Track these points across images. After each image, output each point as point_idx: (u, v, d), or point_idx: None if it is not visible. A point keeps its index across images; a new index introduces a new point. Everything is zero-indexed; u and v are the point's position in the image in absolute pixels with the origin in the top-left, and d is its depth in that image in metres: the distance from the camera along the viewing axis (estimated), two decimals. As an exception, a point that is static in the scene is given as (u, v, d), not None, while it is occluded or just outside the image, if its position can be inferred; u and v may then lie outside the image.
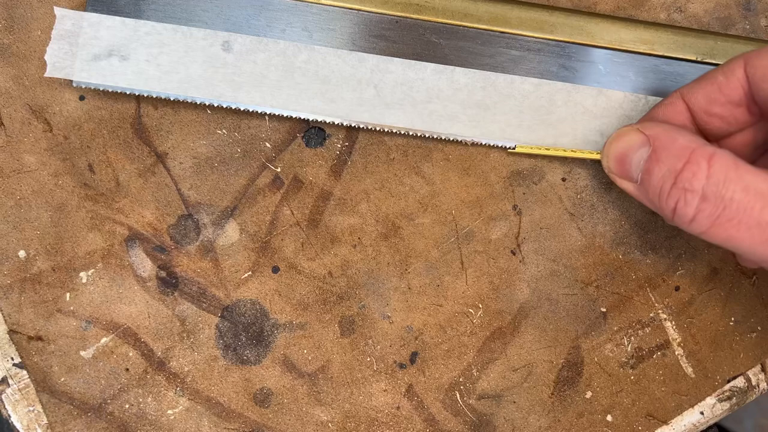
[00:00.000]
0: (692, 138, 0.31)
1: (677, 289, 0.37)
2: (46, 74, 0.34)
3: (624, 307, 0.36)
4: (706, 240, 0.30)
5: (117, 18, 0.35)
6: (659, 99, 0.36)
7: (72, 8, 0.35)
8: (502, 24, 0.36)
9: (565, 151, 0.36)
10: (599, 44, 0.37)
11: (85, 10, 0.35)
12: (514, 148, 0.36)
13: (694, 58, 0.37)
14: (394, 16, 0.36)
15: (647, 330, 0.36)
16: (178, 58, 0.35)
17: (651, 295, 0.37)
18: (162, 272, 0.35)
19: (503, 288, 0.36)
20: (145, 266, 0.35)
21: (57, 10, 0.34)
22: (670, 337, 0.37)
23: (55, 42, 0.34)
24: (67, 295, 0.34)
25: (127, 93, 0.35)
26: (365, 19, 0.36)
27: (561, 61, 0.37)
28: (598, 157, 0.36)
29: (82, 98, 0.35)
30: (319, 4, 0.36)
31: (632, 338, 0.36)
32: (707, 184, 0.29)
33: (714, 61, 0.37)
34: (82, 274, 0.35)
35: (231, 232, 0.35)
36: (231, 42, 0.35)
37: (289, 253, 0.35)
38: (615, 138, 0.33)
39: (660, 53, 0.37)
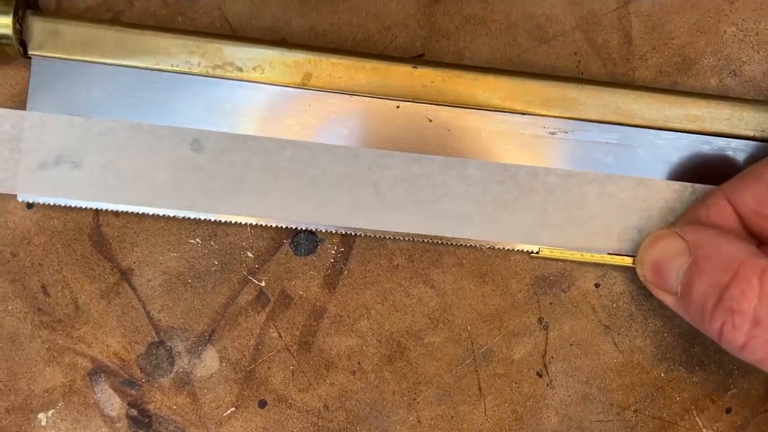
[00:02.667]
0: (741, 246, 0.26)
1: (728, 411, 0.32)
2: (-16, 189, 0.29)
3: (667, 434, 0.32)
4: (765, 371, 0.25)
5: (64, 117, 0.29)
6: (709, 187, 0.31)
7: (9, 106, 0.30)
8: (521, 103, 0.31)
9: (592, 256, 0.31)
10: (639, 123, 0.31)
11: (25, 109, 0.29)
12: (537, 253, 0.31)
13: (751, 135, 0.31)
14: (394, 100, 0.30)
15: (694, 460, 0.32)
16: (139, 163, 0.29)
17: (698, 419, 0.32)
18: (133, 410, 0.30)
19: (528, 417, 0.31)
20: (113, 404, 0.30)
21: (-8, 111, 0.29)
22: (720, 468, 0.32)
23: (-7, 149, 0.29)
24: (24, 440, 0.30)
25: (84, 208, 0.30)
26: (359, 105, 0.30)
27: (593, 147, 0.31)
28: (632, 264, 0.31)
29: (30, 206, 0.30)
30: (305, 88, 0.30)
31: (677, 470, 0.32)
32: (759, 305, 0.25)
33: (775, 138, 0.31)
34: (40, 415, 0.30)
35: (210, 361, 0.31)
36: (202, 140, 0.30)
37: (277, 384, 0.31)
38: (650, 243, 0.30)
39: (711, 130, 0.31)
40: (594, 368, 0.31)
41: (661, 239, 0.29)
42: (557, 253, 0.31)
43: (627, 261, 0.31)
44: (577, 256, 0.31)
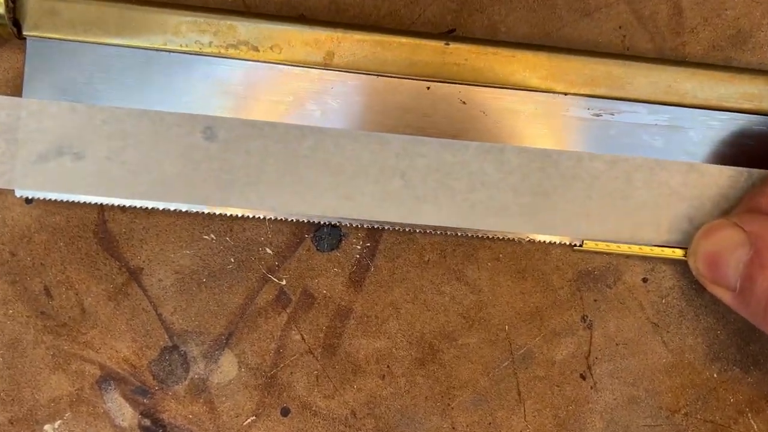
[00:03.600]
0: None
1: (787, 413, 0.30)
2: (-21, 184, 0.26)
3: (721, 439, 0.30)
4: None
5: (64, 103, 0.27)
6: (767, 172, 0.28)
7: (4, 93, 0.27)
8: (563, 82, 0.28)
9: (640, 249, 0.28)
10: (690, 103, 0.29)
11: (21, 95, 0.27)
12: (581, 245, 0.29)
13: (813, 114, 0.29)
14: (423, 80, 0.28)
15: (749, 466, 0.30)
16: (147, 153, 0.27)
17: (753, 422, 0.30)
18: (145, 420, 0.28)
19: (571, 422, 0.29)
20: (125, 413, 0.28)
21: (-15, 98, 0.26)
22: (777, 474, 0.30)
23: (-13, 140, 0.26)
24: (30, 453, 0.28)
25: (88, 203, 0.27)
26: (386, 87, 0.28)
27: (641, 129, 0.29)
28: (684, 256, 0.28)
29: (29, 201, 0.28)
30: (327, 69, 0.27)
31: (731, 477, 0.30)
32: None
33: (838, 116, 0.29)
34: (47, 426, 0.28)
35: (227, 366, 0.28)
36: (215, 128, 0.27)
37: (300, 390, 0.28)
38: (705, 233, 0.27)
39: (768, 110, 0.29)
40: (641, 369, 0.29)
41: (717, 230, 0.27)
42: (602, 246, 0.28)
43: (678, 253, 0.28)
44: (623, 248, 0.28)
